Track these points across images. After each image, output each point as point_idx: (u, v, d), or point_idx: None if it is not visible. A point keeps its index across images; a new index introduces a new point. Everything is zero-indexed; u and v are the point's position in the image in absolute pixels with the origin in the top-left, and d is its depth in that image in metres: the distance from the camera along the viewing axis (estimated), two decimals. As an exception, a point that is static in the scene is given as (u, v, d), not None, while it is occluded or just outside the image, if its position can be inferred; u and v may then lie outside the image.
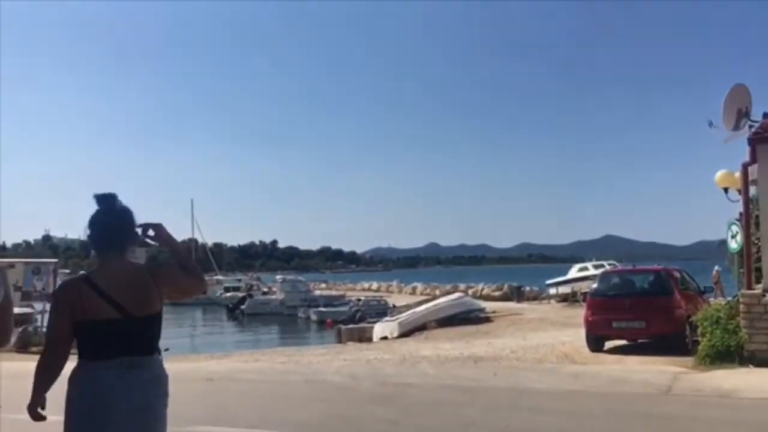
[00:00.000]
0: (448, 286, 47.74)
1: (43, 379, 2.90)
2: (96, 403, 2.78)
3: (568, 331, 17.42)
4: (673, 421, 7.00)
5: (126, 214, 3.00)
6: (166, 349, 3.03)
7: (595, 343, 12.97)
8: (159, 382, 2.99)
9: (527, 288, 41.50)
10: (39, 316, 36.13)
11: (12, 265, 18.54)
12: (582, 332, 13.50)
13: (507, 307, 30.71)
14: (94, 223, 2.98)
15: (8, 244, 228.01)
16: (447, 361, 12.56)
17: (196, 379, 10.34)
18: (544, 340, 15.93)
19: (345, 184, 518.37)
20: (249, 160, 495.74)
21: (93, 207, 2.99)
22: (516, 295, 39.21)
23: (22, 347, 17.22)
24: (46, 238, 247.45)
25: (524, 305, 33.72)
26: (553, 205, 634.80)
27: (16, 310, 27.96)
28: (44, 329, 20.12)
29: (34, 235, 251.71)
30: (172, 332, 40.17)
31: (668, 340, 12.24)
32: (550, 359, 12.24)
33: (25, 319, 25.22)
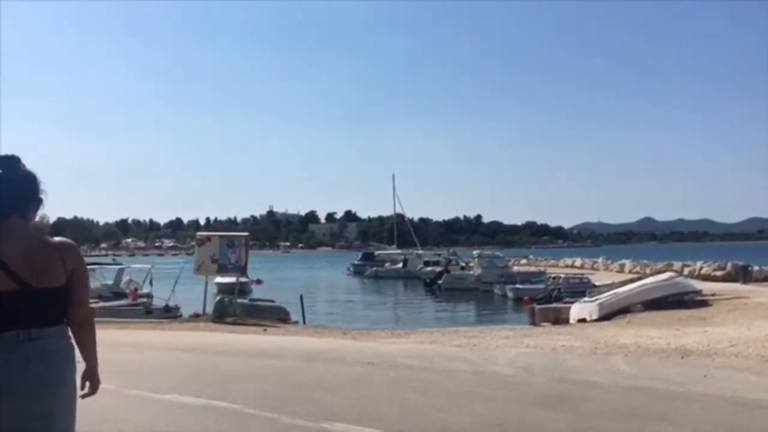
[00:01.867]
0: (660, 264, 43.74)
1: None
2: None
3: (807, 321, 14.50)
4: None
5: (28, 179, 2.83)
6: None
7: None
8: (59, 354, 2.78)
9: (756, 267, 36.55)
10: (253, 287, 38.69)
11: (209, 239, 19.44)
12: (826, 326, 10.95)
13: (730, 289, 26.95)
14: None
15: (238, 219, 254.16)
16: (647, 353, 10.74)
17: (358, 363, 9.69)
18: (774, 331, 13.32)
19: (552, 156, 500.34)
20: (455, 134, 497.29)
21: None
22: (742, 275, 34.64)
23: (219, 317, 17.91)
24: (270, 213, 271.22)
25: (751, 287, 29.50)
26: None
27: (225, 279, 29.53)
28: (241, 300, 20.99)
29: (259, 210, 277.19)
30: (374, 304, 41.36)
31: None
32: (782, 358, 9.95)
33: (231, 290, 26.80)
